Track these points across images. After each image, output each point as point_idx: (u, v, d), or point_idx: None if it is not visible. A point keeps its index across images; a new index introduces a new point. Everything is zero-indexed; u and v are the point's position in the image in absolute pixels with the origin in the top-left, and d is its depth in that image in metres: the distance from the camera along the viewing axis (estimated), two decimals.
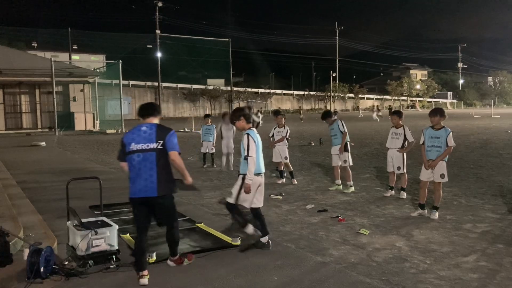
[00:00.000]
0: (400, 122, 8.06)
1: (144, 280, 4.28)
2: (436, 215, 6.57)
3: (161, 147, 4.35)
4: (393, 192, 8.23)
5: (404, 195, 7.99)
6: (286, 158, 9.59)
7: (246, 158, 5.06)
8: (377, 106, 55.32)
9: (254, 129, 5.28)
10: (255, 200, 5.24)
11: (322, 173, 11.09)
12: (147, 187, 4.30)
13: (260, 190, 5.28)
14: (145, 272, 4.33)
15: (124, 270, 4.58)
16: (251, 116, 5.33)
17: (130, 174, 4.40)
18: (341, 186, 8.91)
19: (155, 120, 4.54)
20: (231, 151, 11.55)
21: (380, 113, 45.33)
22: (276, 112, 10.35)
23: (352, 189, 8.74)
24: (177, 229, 4.67)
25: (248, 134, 5.12)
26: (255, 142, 5.08)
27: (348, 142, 8.82)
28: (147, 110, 4.59)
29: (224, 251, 5.22)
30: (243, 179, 5.08)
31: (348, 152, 8.78)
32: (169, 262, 4.80)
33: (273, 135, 9.83)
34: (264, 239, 5.27)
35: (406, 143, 7.92)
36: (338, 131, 8.74)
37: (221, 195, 8.37)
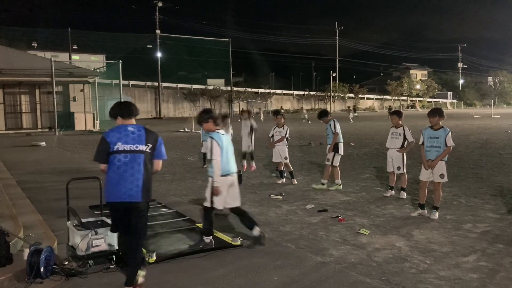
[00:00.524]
0: (400, 122, 8.06)
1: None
2: (436, 215, 6.57)
3: (149, 150, 4.15)
4: (393, 192, 8.23)
5: (404, 195, 8.00)
6: (286, 158, 9.60)
7: (211, 161, 5.15)
8: (353, 106, 54.73)
9: (220, 131, 5.33)
10: (228, 200, 5.31)
11: (322, 173, 11.07)
12: (132, 191, 4.02)
13: (233, 190, 5.34)
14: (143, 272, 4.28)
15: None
16: (219, 118, 5.46)
17: (111, 175, 4.06)
18: (341, 186, 8.93)
19: (134, 121, 4.31)
20: (252, 148, 11.19)
21: (356, 114, 44.99)
22: (276, 112, 10.36)
23: (324, 187, 8.86)
24: (143, 243, 4.34)
25: (211, 138, 5.19)
26: (219, 145, 5.15)
27: (341, 143, 8.84)
28: (131, 109, 4.28)
29: (224, 251, 5.23)
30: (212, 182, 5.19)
31: (337, 153, 8.80)
32: None
33: (272, 135, 9.83)
34: (255, 232, 5.31)
35: (405, 143, 7.93)
36: (330, 131, 8.83)
37: None
